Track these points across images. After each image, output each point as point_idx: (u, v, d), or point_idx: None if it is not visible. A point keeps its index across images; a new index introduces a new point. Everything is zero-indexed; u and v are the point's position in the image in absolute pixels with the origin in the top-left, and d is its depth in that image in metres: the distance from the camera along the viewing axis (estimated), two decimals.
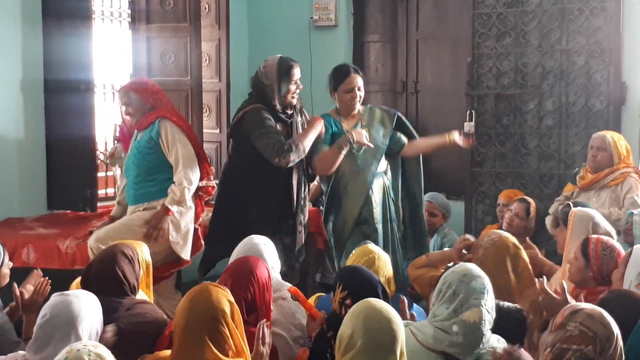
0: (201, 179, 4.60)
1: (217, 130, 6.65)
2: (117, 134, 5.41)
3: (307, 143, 4.41)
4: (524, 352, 2.53)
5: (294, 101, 4.52)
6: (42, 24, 5.35)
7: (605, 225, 3.98)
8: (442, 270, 3.42)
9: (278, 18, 6.97)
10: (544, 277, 3.41)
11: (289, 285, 3.60)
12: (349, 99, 4.60)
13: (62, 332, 2.59)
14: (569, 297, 3.20)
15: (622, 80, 5.55)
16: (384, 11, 6.84)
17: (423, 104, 6.69)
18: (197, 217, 4.65)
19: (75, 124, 5.34)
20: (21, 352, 2.73)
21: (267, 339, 2.90)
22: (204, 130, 6.35)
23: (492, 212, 5.84)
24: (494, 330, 2.87)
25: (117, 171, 5.68)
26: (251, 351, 2.79)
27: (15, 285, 3.44)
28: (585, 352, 2.34)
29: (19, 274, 3.60)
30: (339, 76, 4.63)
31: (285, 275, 4.09)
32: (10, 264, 3.51)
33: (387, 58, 6.88)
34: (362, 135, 4.49)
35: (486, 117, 6.05)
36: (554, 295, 3.20)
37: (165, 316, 3.28)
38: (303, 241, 4.67)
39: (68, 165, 5.37)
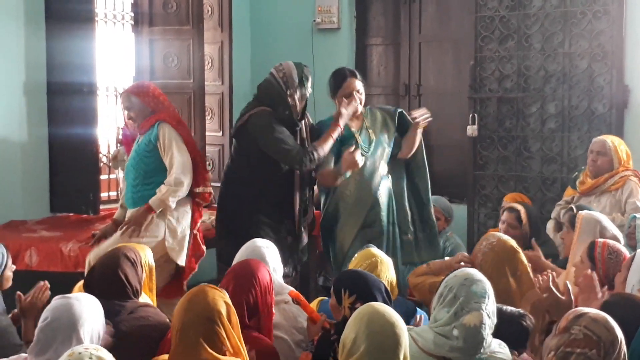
0: (197, 185, 4.58)
1: (220, 133, 6.66)
2: (120, 137, 5.42)
3: (326, 149, 4.44)
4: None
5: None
6: (45, 26, 5.37)
7: (613, 229, 3.97)
8: (443, 277, 3.42)
9: (281, 21, 6.98)
10: (552, 273, 3.40)
11: (291, 288, 3.60)
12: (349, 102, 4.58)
13: (63, 335, 2.59)
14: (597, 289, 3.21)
15: (624, 83, 5.55)
16: (386, 14, 6.85)
17: (425, 107, 6.66)
18: (194, 222, 4.62)
19: (78, 126, 5.35)
20: (23, 355, 2.73)
21: None
22: (207, 133, 6.36)
23: (495, 215, 5.83)
24: (496, 334, 2.86)
25: (119, 174, 5.67)
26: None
27: (19, 293, 3.43)
28: (589, 355, 2.34)
29: (22, 277, 3.61)
30: (337, 81, 4.62)
31: (286, 277, 4.10)
32: (13, 267, 3.51)
33: (389, 61, 6.89)
34: (354, 160, 4.46)
35: (489, 120, 6.04)
36: (559, 295, 3.20)
37: (168, 320, 3.28)
38: (306, 241, 4.67)
39: (71, 168, 5.38)
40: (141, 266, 3.34)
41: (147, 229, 4.43)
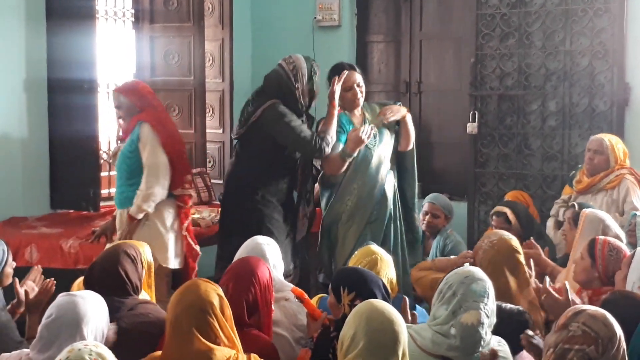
0: (175, 188, 4.44)
1: (220, 130, 6.66)
2: (120, 134, 5.40)
3: (332, 132, 4.42)
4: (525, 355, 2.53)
5: None
6: (45, 23, 5.36)
7: (616, 228, 3.98)
8: (445, 274, 3.42)
9: (281, 18, 6.97)
10: (547, 278, 3.41)
11: (291, 285, 3.59)
12: (350, 96, 4.57)
13: (67, 333, 2.59)
14: (573, 297, 3.20)
15: (625, 81, 5.56)
16: (387, 11, 6.84)
17: (426, 105, 6.68)
18: (180, 224, 4.50)
19: (78, 123, 5.34)
20: (25, 351, 2.74)
21: None
22: (207, 130, 6.37)
23: None
24: (495, 332, 2.86)
25: None
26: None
27: (17, 280, 3.44)
28: (587, 352, 2.34)
29: (22, 274, 3.60)
30: (334, 74, 4.55)
31: (287, 276, 4.09)
32: (14, 264, 3.51)
33: (390, 58, 6.89)
34: (359, 137, 4.42)
35: (489, 117, 6.04)
36: (556, 295, 3.20)
37: None
38: (304, 233, 4.65)
39: (71, 165, 5.37)
40: (141, 263, 3.34)
41: (137, 234, 4.33)
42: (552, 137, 5.83)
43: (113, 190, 6.18)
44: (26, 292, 3.42)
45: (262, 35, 7.04)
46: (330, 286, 3.20)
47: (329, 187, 4.60)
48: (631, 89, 5.55)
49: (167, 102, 6.15)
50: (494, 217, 4.93)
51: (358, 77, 4.58)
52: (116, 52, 6.70)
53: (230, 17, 6.58)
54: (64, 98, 5.35)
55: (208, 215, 5.21)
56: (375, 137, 4.51)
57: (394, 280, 3.66)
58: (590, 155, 4.93)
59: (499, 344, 2.86)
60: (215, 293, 2.73)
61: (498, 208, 4.95)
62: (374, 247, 3.76)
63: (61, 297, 2.71)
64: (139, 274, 3.30)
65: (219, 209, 4.77)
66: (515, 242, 3.70)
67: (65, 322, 2.62)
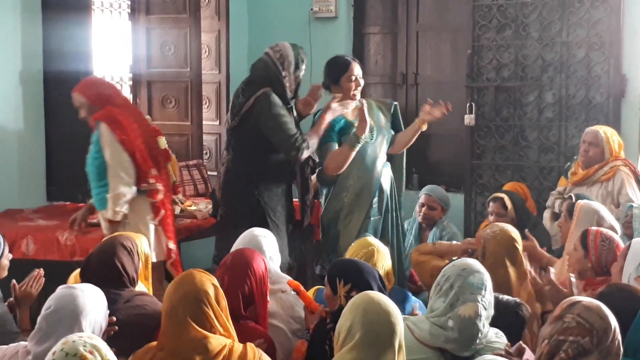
0: (139, 183, 4.34)
1: (217, 122, 6.65)
2: None
3: (314, 142, 4.37)
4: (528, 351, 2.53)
5: None
6: (41, 15, 5.34)
7: (610, 219, 3.99)
8: (446, 262, 3.43)
9: (278, 9, 6.96)
10: (551, 269, 3.42)
11: (288, 278, 3.60)
12: (353, 87, 4.54)
13: (65, 325, 2.59)
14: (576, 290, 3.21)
15: (622, 72, 5.55)
16: (384, 3, 6.83)
17: (423, 96, 6.66)
18: (153, 218, 4.40)
19: (74, 115, 5.31)
20: (23, 342, 2.74)
21: None
22: (204, 122, 6.36)
23: None
24: (492, 323, 2.87)
25: None
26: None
27: (14, 283, 3.43)
28: (581, 343, 2.34)
29: (18, 266, 3.60)
30: (341, 66, 4.52)
31: (290, 270, 4.09)
32: (10, 256, 3.50)
33: (387, 50, 6.88)
34: (364, 123, 4.40)
35: (486, 109, 6.04)
36: (560, 287, 3.21)
37: None
38: (310, 219, 4.60)
39: (67, 157, 5.36)
40: (137, 255, 3.34)
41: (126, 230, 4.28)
42: (549, 128, 5.83)
43: None
44: (14, 285, 3.41)
45: (258, 26, 7.03)
46: (326, 278, 3.20)
47: (327, 185, 4.58)
48: (627, 81, 5.55)
49: (163, 93, 6.15)
50: (490, 204, 4.98)
51: (359, 70, 4.56)
52: (112, 44, 6.69)
53: (227, 8, 6.57)
54: (60, 90, 5.32)
55: (205, 207, 5.21)
56: (371, 131, 4.49)
57: (391, 271, 3.67)
58: (586, 147, 4.94)
59: (497, 336, 2.87)
60: (210, 283, 2.74)
61: (496, 194, 5.02)
62: (371, 239, 3.77)
63: (61, 290, 2.71)
64: (136, 266, 3.30)
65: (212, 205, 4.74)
66: (515, 233, 3.71)
67: (64, 314, 2.62)
